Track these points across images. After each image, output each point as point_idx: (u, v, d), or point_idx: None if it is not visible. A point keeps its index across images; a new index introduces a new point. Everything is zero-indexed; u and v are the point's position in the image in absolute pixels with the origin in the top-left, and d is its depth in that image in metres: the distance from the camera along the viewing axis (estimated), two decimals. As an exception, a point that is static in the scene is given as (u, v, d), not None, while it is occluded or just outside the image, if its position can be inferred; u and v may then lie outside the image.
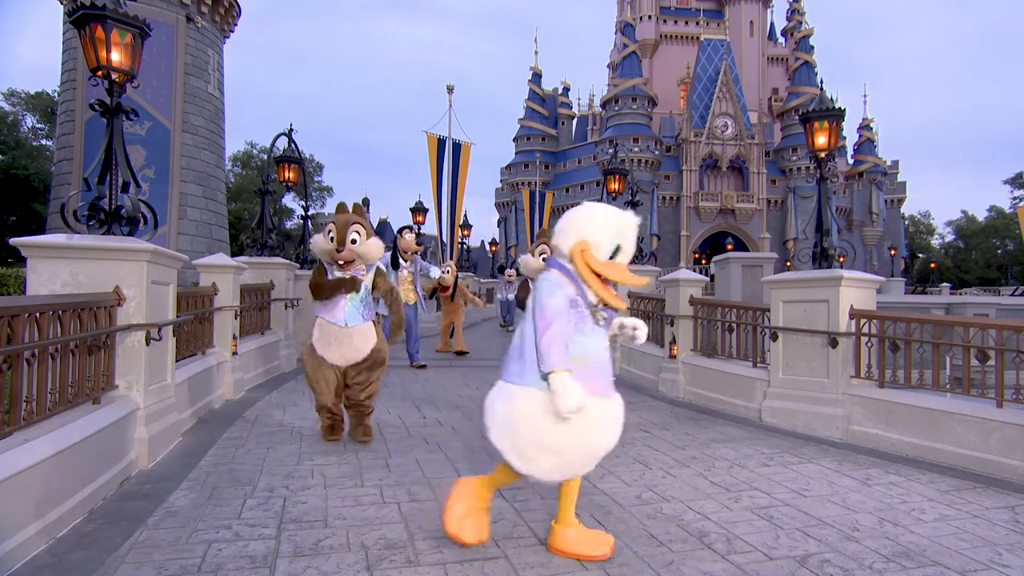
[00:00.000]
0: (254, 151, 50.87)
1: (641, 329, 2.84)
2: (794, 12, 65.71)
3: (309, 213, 11.66)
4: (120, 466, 3.83)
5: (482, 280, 22.80)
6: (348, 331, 4.63)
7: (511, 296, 14.30)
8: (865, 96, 75.47)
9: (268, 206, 9.40)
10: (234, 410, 6.05)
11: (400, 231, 8.91)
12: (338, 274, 4.61)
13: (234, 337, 6.75)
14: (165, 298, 4.65)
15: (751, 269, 12.59)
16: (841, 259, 7.18)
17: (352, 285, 4.59)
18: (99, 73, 4.40)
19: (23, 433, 2.99)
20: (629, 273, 2.77)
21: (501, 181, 69.78)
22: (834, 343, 5.56)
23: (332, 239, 4.51)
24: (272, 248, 9.24)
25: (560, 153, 67.24)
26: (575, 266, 2.68)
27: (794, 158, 58.52)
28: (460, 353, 10.91)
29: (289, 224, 47.20)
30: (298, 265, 10.04)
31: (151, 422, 4.29)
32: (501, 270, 17.03)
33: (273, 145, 10.52)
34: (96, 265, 4.05)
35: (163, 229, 18.87)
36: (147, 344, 4.24)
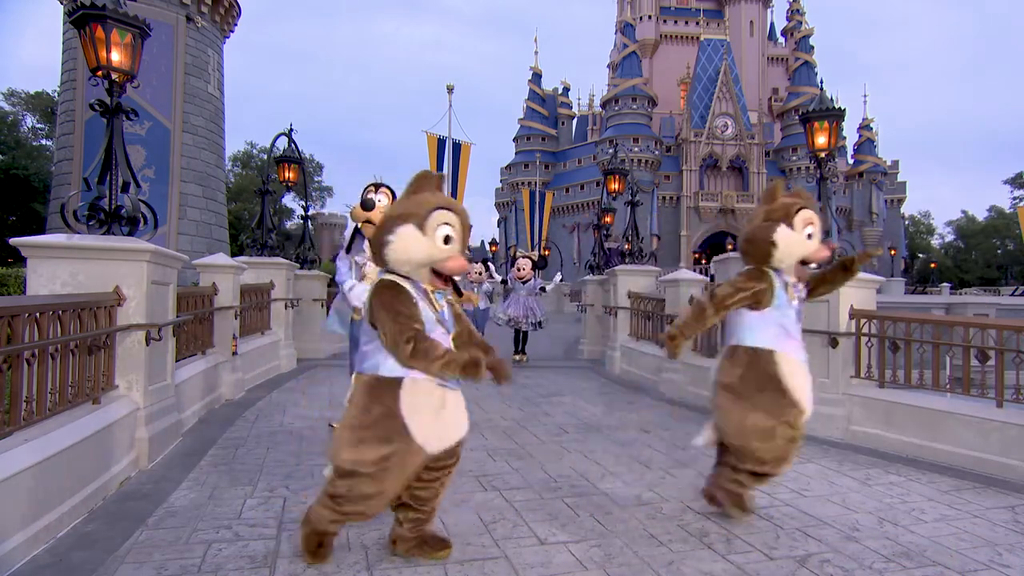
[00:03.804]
0: (254, 151, 50.86)
1: None
2: (794, 12, 65.70)
3: (309, 213, 11.66)
4: (120, 466, 3.84)
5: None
6: (459, 395, 2.74)
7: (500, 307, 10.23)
8: (865, 96, 75.42)
9: (268, 206, 9.40)
10: (234, 410, 6.05)
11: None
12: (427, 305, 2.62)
13: (234, 337, 6.75)
14: (165, 298, 4.65)
15: (751, 269, 12.56)
16: (841, 259, 7.16)
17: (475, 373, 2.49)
18: (99, 73, 4.40)
19: (23, 433, 2.99)
20: None
21: (501, 181, 69.76)
22: (834, 343, 5.56)
23: (448, 240, 2.57)
24: (272, 248, 9.24)
25: (560, 153, 67.22)
26: None
27: (794, 158, 58.53)
28: None
29: (289, 224, 47.21)
30: (298, 265, 10.04)
31: (151, 422, 4.29)
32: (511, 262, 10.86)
33: (273, 145, 10.52)
34: (96, 265, 4.05)
35: (163, 229, 18.86)
36: (147, 344, 4.24)
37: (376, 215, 4.31)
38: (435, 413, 2.61)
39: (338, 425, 2.72)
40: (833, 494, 3.91)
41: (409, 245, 2.54)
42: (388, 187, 4.62)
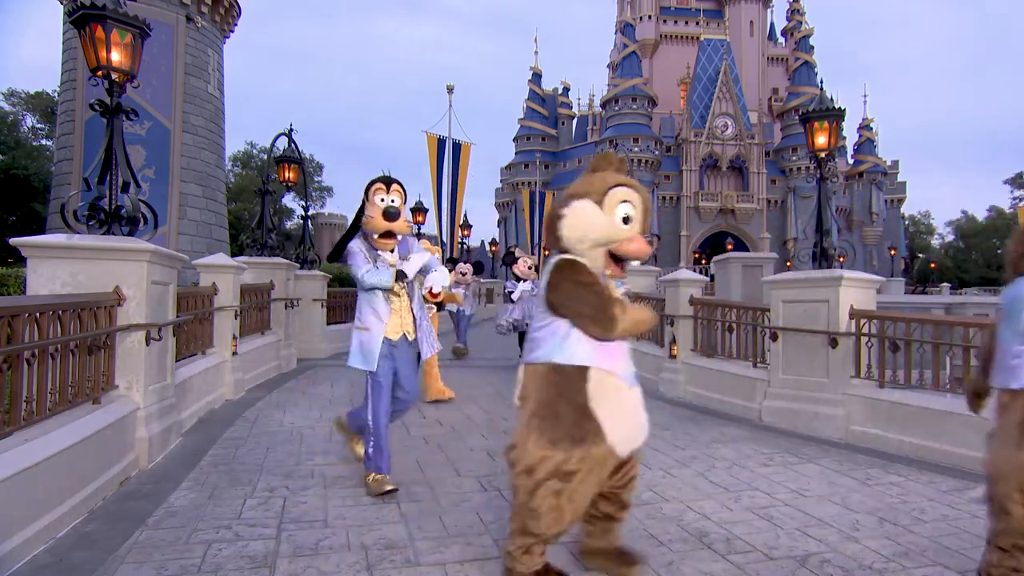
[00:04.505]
0: (254, 151, 50.85)
1: None
2: (794, 12, 65.71)
3: (309, 213, 11.65)
4: (120, 466, 3.83)
5: (481, 280, 22.79)
6: (639, 392, 2.50)
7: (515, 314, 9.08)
8: (865, 96, 75.63)
9: (268, 206, 9.40)
10: (234, 410, 6.05)
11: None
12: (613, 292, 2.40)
13: (234, 337, 6.75)
14: (165, 298, 4.65)
15: (751, 269, 12.58)
16: (841, 259, 7.18)
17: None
18: (99, 73, 4.41)
19: (23, 433, 2.99)
20: None
21: (501, 181, 69.77)
22: (834, 343, 5.56)
23: (627, 220, 2.37)
24: (272, 248, 9.24)
25: (560, 153, 67.21)
26: None
27: (794, 158, 58.52)
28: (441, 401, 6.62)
29: (289, 224, 47.21)
30: (298, 265, 10.04)
31: (151, 422, 4.29)
32: (511, 259, 9.74)
33: (273, 145, 10.52)
34: (96, 265, 4.05)
35: (163, 229, 18.84)
36: (147, 344, 4.24)
37: (401, 225, 3.74)
38: (625, 411, 2.37)
39: (520, 427, 2.42)
40: (833, 494, 3.91)
41: (586, 220, 2.32)
42: (400, 185, 3.79)
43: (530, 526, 2.36)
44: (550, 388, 2.34)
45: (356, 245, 3.80)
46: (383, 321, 3.74)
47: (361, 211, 3.78)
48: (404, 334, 3.82)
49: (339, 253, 3.86)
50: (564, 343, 2.34)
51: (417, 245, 4.04)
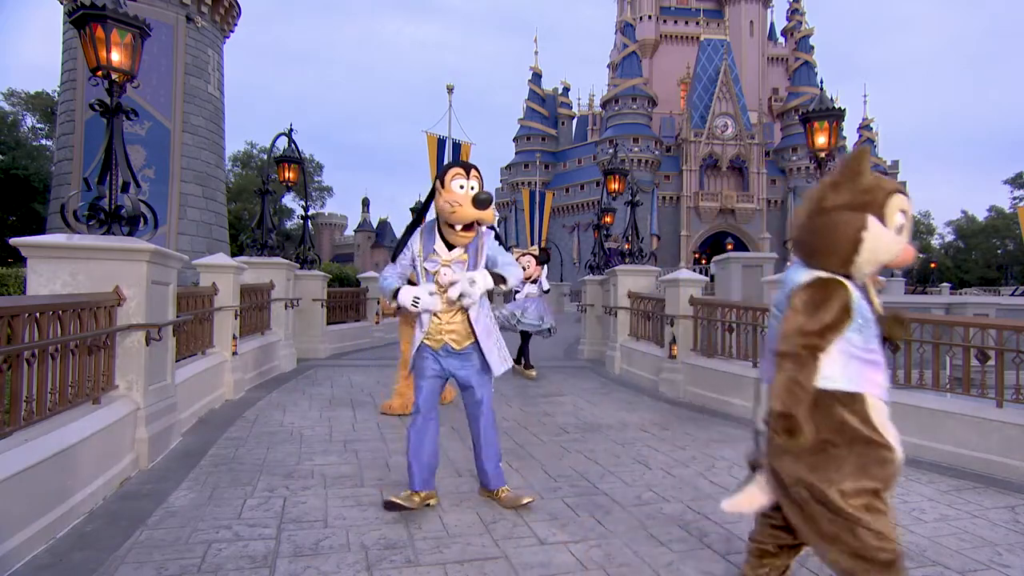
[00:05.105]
0: (254, 151, 50.85)
1: None
2: (794, 12, 65.81)
3: (309, 213, 11.65)
4: (120, 466, 3.84)
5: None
6: None
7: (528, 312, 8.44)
8: (865, 96, 75.93)
9: (268, 206, 9.40)
10: (234, 410, 6.05)
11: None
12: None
13: (234, 337, 6.75)
14: (165, 298, 4.65)
15: (751, 269, 12.56)
16: (841, 259, 7.16)
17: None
18: (99, 73, 4.41)
19: (23, 433, 2.99)
20: None
21: (501, 181, 69.81)
22: (834, 343, 5.55)
23: (901, 229, 2.14)
24: (272, 248, 9.24)
25: (560, 153, 67.29)
26: None
27: (794, 158, 58.58)
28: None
29: (289, 224, 47.21)
30: (298, 265, 10.04)
31: (151, 422, 4.29)
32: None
33: (273, 145, 10.53)
34: (96, 265, 4.05)
35: (163, 229, 18.85)
36: (147, 344, 4.24)
37: (490, 214, 3.33)
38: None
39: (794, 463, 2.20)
40: (833, 494, 3.90)
41: (880, 244, 2.09)
42: (478, 170, 3.39)
43: (878, 559, 2.09)
44: (831, 417, 2.14)
45: (414, 241, 3.45)
46: (423, 327, 3.41)
47: (428, 203, 3.45)
48: (447, 344, 3.39)
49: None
50: (846, 368, 2.13)
51: (492, 241, 3.53)
